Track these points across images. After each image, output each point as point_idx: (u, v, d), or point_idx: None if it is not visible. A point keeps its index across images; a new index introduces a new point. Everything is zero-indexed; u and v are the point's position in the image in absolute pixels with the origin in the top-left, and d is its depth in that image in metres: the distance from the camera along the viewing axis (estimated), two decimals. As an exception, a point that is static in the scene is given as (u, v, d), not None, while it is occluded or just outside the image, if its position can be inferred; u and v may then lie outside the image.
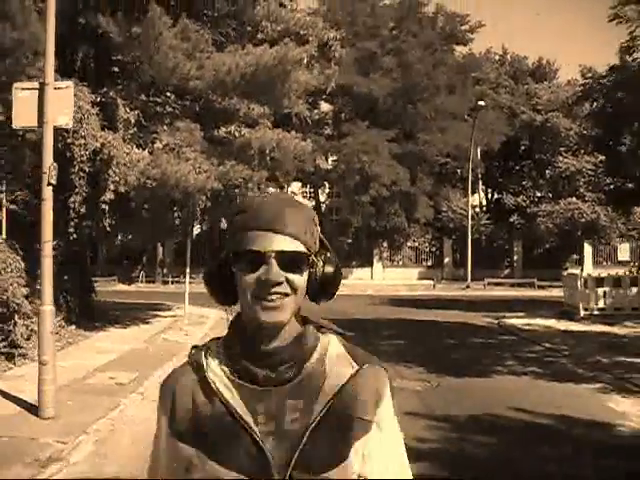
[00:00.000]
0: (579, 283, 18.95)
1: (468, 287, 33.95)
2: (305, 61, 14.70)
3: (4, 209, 17.67)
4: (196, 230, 17.39)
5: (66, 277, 15.08)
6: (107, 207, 13.27)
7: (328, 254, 1.46)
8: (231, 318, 1.50)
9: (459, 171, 42.89)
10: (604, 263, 39.81)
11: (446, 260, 41.18)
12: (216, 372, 1.41)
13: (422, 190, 37.86)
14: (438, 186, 40.43)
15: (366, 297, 26.72)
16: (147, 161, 13.22)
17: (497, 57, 50.70)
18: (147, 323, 17.68)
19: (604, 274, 20.43)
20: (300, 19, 17.25)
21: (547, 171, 45.04)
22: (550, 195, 44.11)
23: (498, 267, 40.34)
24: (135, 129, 14.16)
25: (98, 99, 13.45)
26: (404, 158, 36.45)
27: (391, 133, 36.19)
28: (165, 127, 15.01)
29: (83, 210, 12.66)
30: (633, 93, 20.86)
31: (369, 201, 36.17)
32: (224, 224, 31.89)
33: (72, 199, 12.29)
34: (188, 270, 19.09)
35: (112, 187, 12.94)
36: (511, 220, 43.91)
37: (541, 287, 32.87)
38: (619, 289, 19.10)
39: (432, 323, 18.22)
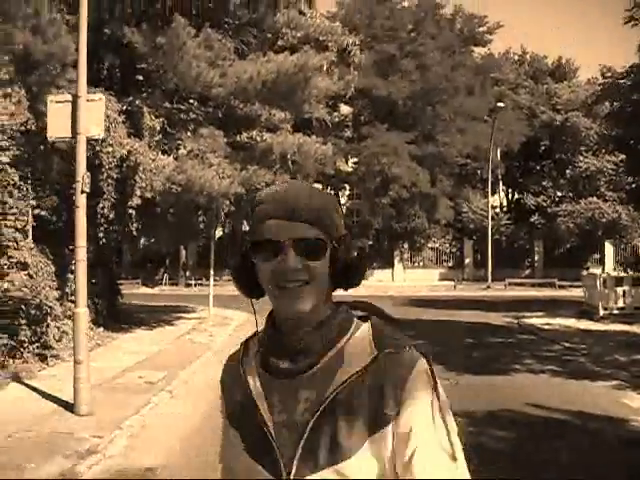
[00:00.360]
0: (598, 283, 19.09)
1: (489, 287, 34.08)
2: (325, 68, 15.02)
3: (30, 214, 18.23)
4: (218, 233, 17.75)
5: (94, 280, 15.49)
6: (134, 212, 13.66)
7: (352, 239, 1.43)
8: (256, 312, 1.52)
9: (479, 172, 42.94)
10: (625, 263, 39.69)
11: (467, 261, 41.30)
12: (250, 363, 1.46)
13: (442, 191, 38.01)
14: (458, 187, 40.55)
15: (387, 298, 26.88)
16: (172, 167, 13.60)
17: (516, 57, 50.73)
18: (172, 325, 18.08)
19: (623, 274, 20.52)
20: (319, 25, 17.60)
21: (567, 171, 44.90)
22: (571, 195, 44.00)
23: (519, 267, 40.41)
24: (160, 136, 14.56)
25: (124, 107, 13.86)
26: (424, 160, 36.67)
27: (410, 135, 36.40)
28: (189, 133, 15.41)
29: (112, 215, 13.07)
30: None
31: (389, 203, 36.41)
32: (246, 227, 32.28)
33: (101, 205, 12.70)
34: (212, 272, 19.50)
35: (139, 193, 13.34)
36: (532, 220, 43.89)
37: (562, 287, 32.89)
38: (638, 288, 19.21)
39: (452, 323, 18.45)
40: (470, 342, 14.98)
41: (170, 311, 20.94)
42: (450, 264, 41.66)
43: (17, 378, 9.91)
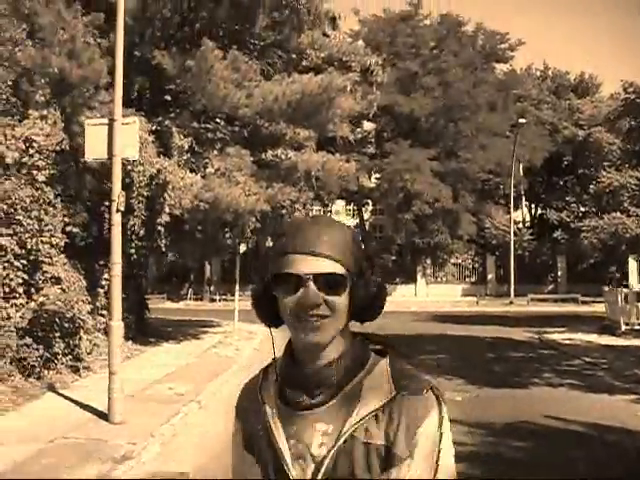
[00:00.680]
0: (619, 298, 19.20)
1: (511, 303, 34.15)
2: (348, 88, 15.41)
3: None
4: (242, 248, 18.15)
5: (124, 295, 15.95)
6: (163, 229, 14.10)
7: (371, 273, 1.45)
8: (274, 339, 1.57)
9: (501, 187, 43.06)
10: (650, 278, 39.47)
11: (489, 276, 41.36)
12: (269, 391, 1.49)
13: (465, 207, 38.18)
14: (480, 203, 40.68)
15: (410, 314, 27.15)
16: (200, 185, 14.03)
17: (538, 73, 50.91)
18: (198, 339, 18.46)
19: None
20: (342, 46, 18.01)
21: (591, 186, 44.83)
22: (594, 210, 43.92)
23: (542, 283, 40.40)
24: (188, 155, 15.02)
25: (154, 127, 14.34)
26: (446, 176, 36.94)
27: (433, 151, 36.70)
28: (216, 152, 15.85)
29: (142, 232, 13.51)
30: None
31: (412, 218, 36.65)
32: (270, 242, 32.70)
33: (132, 222, 13.14)
34: (237, 287, 19.90)
35: (168, 210, 13.79)
36: (555, 235, 43.87)
37: (585, 302, 32.84)
38: (660, 304, 19.28)
39: (474, 338, 18.64)
40: (491, 357, 15.19)
41: (196, 325, 21.35)
42: (473, 279, 41.74)
43: (52, 388, 10.31)
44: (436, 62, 38.67)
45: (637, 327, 18.92)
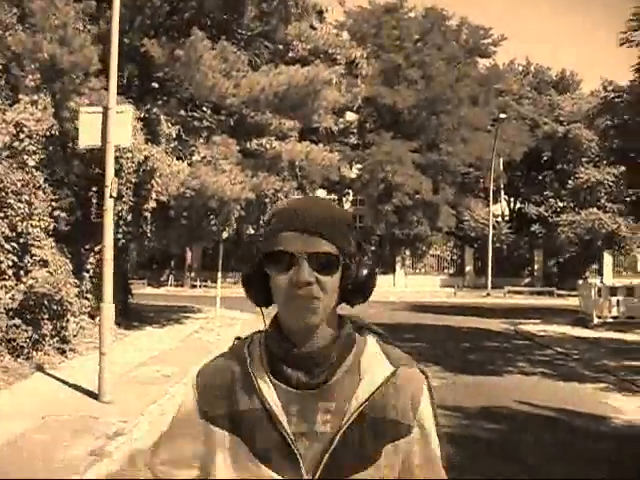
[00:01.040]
0: (593, 292, 19.74)
1: (488, 295, 34.72)
2: (334, 81, 15.70)
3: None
4: (224, 235, 18.37)
5: (108, 279, 16.20)
6: (149, 215, 14.35)
7: (363, 257, 1.46)
8: (265, 319, 1.53)
9: (481, 181, 43.58)
10: (624, 273, 40.26)
11: (467, 268, 41.93)
12: (258, 367, 1.43)
13: (444, 199, 38.65)
14: (460, 196, 41.18)
15: (388, 304, 27.45)
16: (187, 172, 14.28)
17: (520, 68, 51.39)
18: (180, 324, 18.74)
19: (618, 283, 21.17)
20: (329, 39, 18.26)
21: (569, 181, 45.47)
22: (572, 205, 44.57)
23: (519, 275, 41.07)
24: (176, 142, 15.25)
25: (142, 115, 14.53)
26: (427, 168, 37.40)
27: (414, 144, 37.12)
28: (202, 140, 16.09)
29: (129, 217, 13.75)
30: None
31: (392, 210, 37.07)
32: (251, 230, 32.93)
33: (120, 207, 13.35)
34: (220, 274, 20.19)
35: (154, 196, 14.03)
36: (532, 229, 44.53)
37: (560, 296, 33.48)
38: (632, 298, 19.85)
39: (451, 328, 19.08)
40: (467, 346, 15.63)
41: (178, 311, 21.60)
42: (451, 271, 42.29)
43: (41, 368, 10.56)
44: (420, 55, 39.03)
45: (609, 320, 19.49)
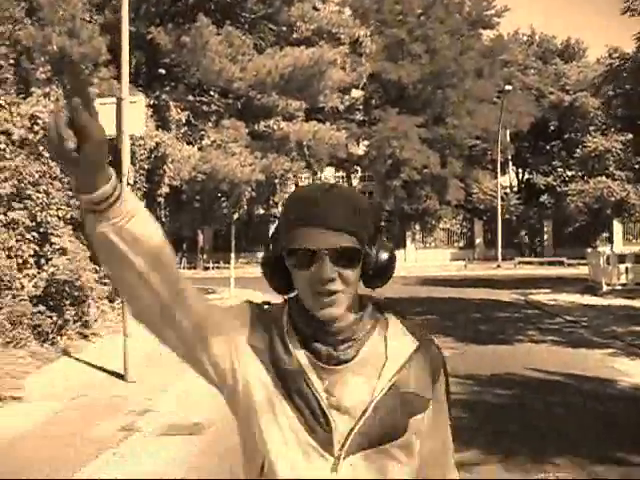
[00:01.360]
0: (602, 260, 19.98)
1: (499, 266, 34.94)
2: (339, 61, 15.92)
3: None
4: (235, 216, 18.74)
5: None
6: (163, 200, 14.68)
7: (383, 240, 1.48)
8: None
9: (489, 153, 43.61)
10: (634, 241, 40.36)
11: (477, 241, 42.14)
12: (292, 336, 1.44)
13: (452, 173, 38.81)
14: (468, 168, 41.30)
15: (399, 278, 27.71)
16: (198, 157, 14.61)
17: (525, 38, 51.16)
18: (197, 305, 19.09)
19: (627, 251, 21.39)
20: (332, 18, 18.43)
21: (577, 150, 45.45)
22: (580, 174, 44.58)
23: (529, 246, 41.28)
24: (185, 128, 15.54)
25: (151, 102, 14.81)
26: (434, 142, 37.55)
27: (420, 118, 37.22)
28: (211, 124, 16.38)
29: (144, 203, 14.08)
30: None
31: (401, 185, 37.29)
32: (261, 210, 33.21)
33: (134, 193, 13.69)
34: (233, 255, 20.52)
35: (167, 181, 14.36)
36: (541, 200, 44.61)
37: (570, 265, 33.64)
38: (640, 265, 20.12)
39: (462, 300, 19.38)
40: (478, 317, 15.94)
41: (193, 293, 21.94)
42: (461, 244, 42.52)
43: (66, 352, 10.95)
44: (423, 29, 38.99)
45: (618, 287, 19.74)
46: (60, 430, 6.93)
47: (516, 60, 46.35)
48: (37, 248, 11.57)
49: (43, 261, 11.88)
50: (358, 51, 20.16)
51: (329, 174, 46.72)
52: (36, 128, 12.12)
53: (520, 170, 50.05)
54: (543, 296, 19.62)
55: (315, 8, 17.83)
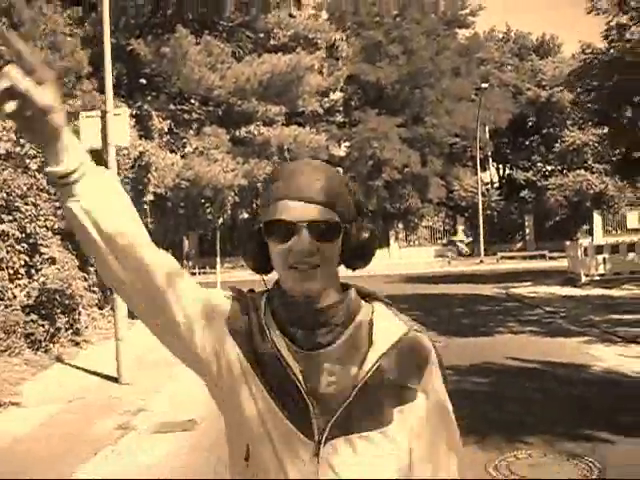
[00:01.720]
0: (580, 251, 20.46)
1: (482, 262, 35.42)
2: (316, 66, 16.30)
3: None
4: (219, 221, 19.07)
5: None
6: (148, 207, 14.98)
7: (363, 220, 1.44)
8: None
9: (469, 150, 44.14)
10: (613, 232, 40.96)
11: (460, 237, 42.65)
12: (270, 321, 1.42)
13: (433, 171, 39.29)
14: (449, 166, 41.80)
15: (384, 276, 28.10)
16: (181, 164, 14.93)
17: (501, 35, 51.76)
18: (185, 310, 19.38)
19: (603, 242, 21.90)
20: (308, 24, 18.81)
21: (556, 145, 46.02)
22: (559, 168, 45.19)
23: (511, 241, 41.85)
24: (168, 136, 15.85)
25: (133, 112, 15.12)
26: (414, 141, 38.03)
27: (400, 119, 37.68)
28: (192, 132, 16.70)
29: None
30: (622, 74, 22.20)
31: (382, 185, 37.74)
32: (245, 215, 33.50)
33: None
34: (219, 259, 20.83)
35: (151, 189, 14.66)
36: (522, 195, 45.18)
37: (552, 258, 34.06)
38: (618, 255, 20.60)
39: (444, 295, 19.78)
40: (460, 311, 16.35)
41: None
42: (444, 241, 42.99)
43: (60, 359, 11.23)
44: (399, 30, 39.41)
45: (596, 278, 20.23)
46: (59, 430, 7.24)
47: (492, 58, 46.93)
48: (27, 259, 11.84)
49: (33, 271, 12.16)
50: (335, 55, 20.59)
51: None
52: (22, 141, 12.39)
53: (500, 166, 50.62)
54: (524, 289, 20.06)
55: (291, 15, 18.21)
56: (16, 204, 11.59)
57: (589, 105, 32.94)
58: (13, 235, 11.49)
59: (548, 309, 15.65)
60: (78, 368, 10.61)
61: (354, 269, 1.47)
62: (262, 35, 18.50)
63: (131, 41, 15.20)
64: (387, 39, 39.19)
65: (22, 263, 11.65)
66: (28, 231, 11.74)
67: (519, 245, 42.16)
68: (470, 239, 41.77)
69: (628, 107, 27.49)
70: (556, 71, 46.19)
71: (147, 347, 12.70)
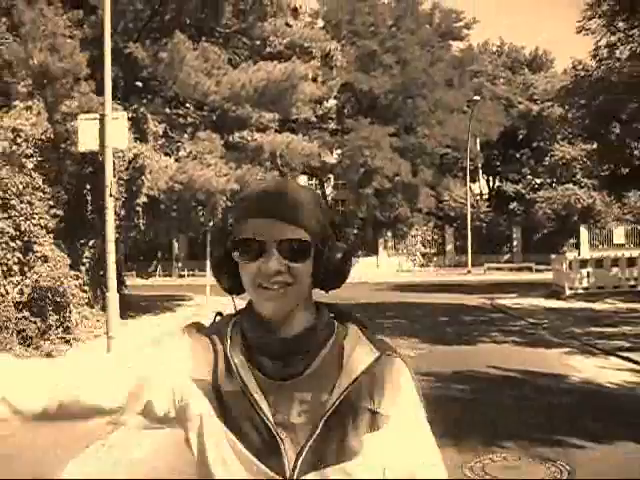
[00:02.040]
0: (564, 265, 20.79)
1: (469, 272, 35.75)
2: (310, 75, 16.57)
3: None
4: (211, 225, 19.30)
5: (102, 272, 17.03)
6: (141, 209, 15.18)
7: (338, 239, 1.41)
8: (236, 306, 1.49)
9: (459, 161, 44.53)
10: (600, 246, 41.38)
11: (448, 247, 42.99)
12: (236, 351, 1.39)
13: (423, 181, 39.62)
14: (439, 176, 42.22)
15: (372, 284, 28.45)
16: (175, 168, 15.12)
17: (494, 49, 52.28)
18: (174, 312, 19.59)
19: (587, 256, 22.26)
20: (304, 33, 19.08)
21: (545, 159, 46.47)
22: (549, 182, 45.67)
23: (498, 252, 42.23)
24: (163, 140, 16.06)
25: (129, 115, 15.31)
26: (405, 151, 38.36)
27: (392, 128, 37.99)
28: (187, 136, 16.92)
29: (122, 212, 14.57)
30: (610, 93, 22.63)
31: (373, 193, 38.05)
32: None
33: (113, 203, 14.19)
34: (208, 263, 21.02)
35: (145, 191, 14.86)
36: (511, 207, 45.61)
37: (539, 271, 34.38)
38: (602, 269, 20.95)
39: (431, 305, 20.04)
40: (445, 320, 16.62)
41: (170, 300, 22.42)
42: (432, 251, 43.31)
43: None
44: (394, 40, 39.78)
45: (580, 291, 20.56)
46: (48, 424, 7.40)
47: (485, 70, 47.44)
48: (21, 256, 12.03)
49: (26, 269, 12.34)
50: (329, 64, 20.85)
51: (302, 182, 47.34)
52: (19, 140, 12.59)
53: (490, 178, 51.08)
54: (509, 300, 20.36)
55: (288, 24, 18.48)
56: (12, 202, 11.77)
57: (579, 121, 33.43)
58: (8, 233, 11.68)
59: (531, 320, 15.95)
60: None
61: (327, 290, 1.44)
62: (258, 43, 18.75)
63: (129, 44, 15.36)
64: (382, 49, 39.56)
65: (16, 260, 11.84)
66: (22, 229, 11.93)
67: (506, 257, 42.55)
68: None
69: (616, 124, 27.94)
70: (548, 86, 46.68)
71: (139, 345, 12.94)
